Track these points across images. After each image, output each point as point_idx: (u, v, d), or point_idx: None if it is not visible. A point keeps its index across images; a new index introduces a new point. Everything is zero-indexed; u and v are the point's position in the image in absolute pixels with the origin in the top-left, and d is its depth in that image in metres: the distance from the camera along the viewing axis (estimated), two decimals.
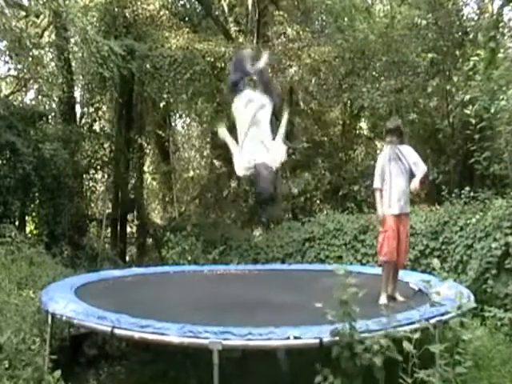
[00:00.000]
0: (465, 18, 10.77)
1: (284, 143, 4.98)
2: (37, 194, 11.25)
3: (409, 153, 5.37)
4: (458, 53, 9.57)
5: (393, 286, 5.28)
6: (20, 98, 13.71)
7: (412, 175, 5.32)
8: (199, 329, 3.69)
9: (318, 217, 10.18)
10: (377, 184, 5.42)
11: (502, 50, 8.48)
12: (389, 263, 5.27)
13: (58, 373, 4.00)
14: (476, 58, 7.70)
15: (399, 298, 5.26)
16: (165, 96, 11.88)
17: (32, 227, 11.71)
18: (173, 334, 3.74)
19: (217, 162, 14.80)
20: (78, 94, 13.88)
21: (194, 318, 4.04)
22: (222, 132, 5.14)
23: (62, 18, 10.53)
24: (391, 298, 5.22)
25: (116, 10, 11.70)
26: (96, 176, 13.86)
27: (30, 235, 10.44)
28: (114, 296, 5.73)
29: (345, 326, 3.61)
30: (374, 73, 11.97)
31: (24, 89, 13.16)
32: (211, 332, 3.65)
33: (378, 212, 5.46)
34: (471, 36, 10.19)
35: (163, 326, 3.80)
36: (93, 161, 13.01)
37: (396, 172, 5.29)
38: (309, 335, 3.68)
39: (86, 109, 13.78)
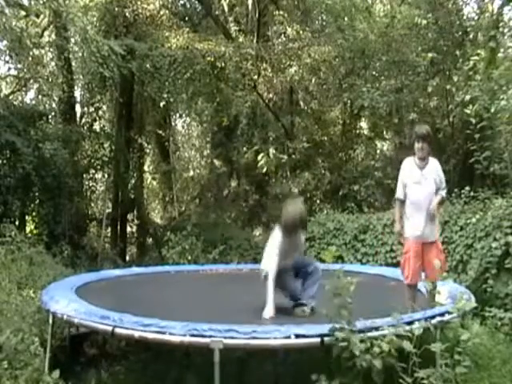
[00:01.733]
0: (465, 17, 10.78)
1: None
2: (37, 194, 11.26)
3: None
4: (458, 53, 9.56)
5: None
6: (20, 98, 13.73)
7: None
8: (203, 327, 3.67)
9: (318, 216, 10.19)
10: (399, 194, 4.84)
11: (501, 50, 8.49)
12: (412, 286, 4.83)
13: (56, 373, 4.00)
14: (476, 58, 7.70)
15: None
16: (165, 96, 11.88)
17: (32, 227, 11.71)
18: (174, 333, 3.73)
19: (217, 162, 14.80)
20: (78, 93, 13.90)
21: (195, 317, 4.03)
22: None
23: (61, 18, 10.53)
24: None
25: (116, 9, 11.69)
26: (96, 176, 13.87)
27: (30, 235, 10.44)
28: (115, 295, 5.73)
29: (342, 322, 3.60)
30: (374, 73, 11.98)
31: (24, 89, 13.18)
32: (214, 330, 3.64)
33: (395, 226, 5.00)
34: (471, 36, 10.21)
35: (166, 324, 3.79)
36: (93, 161, 13.00)
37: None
38: (310, 334, 3.68)
39: (86, 108, 13.77)
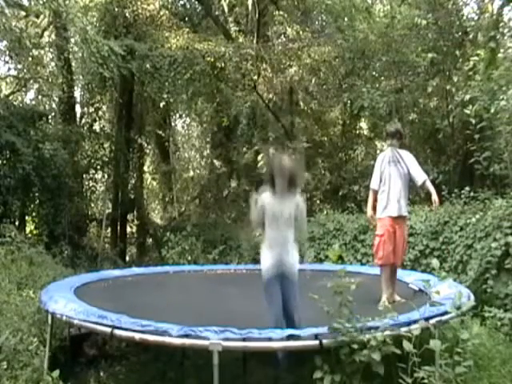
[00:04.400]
0: (465, 18, 10.75)
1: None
2: (37, 194, 11.27)
3: (409, 158, 5.34)
4: (458, 53, 9.55)
5: (392, 289, 5.26)
6: (20, 98, 13.74)
7: (410, 180, 5.33)
8: (199, 329, 3.68)
9: (318, 217, 10.18)
10: (374, 185, 5.37)
11: (502, 50, 8.46)
12: (385, 266, 5.28)
13: (56, 373, 4.00)
14: (476, 58, 7.70)
15: (398, 299, 5.25)
16: (165, 96, 11.89)
17: (32, 227, 11.72)
18: (173, 334, 3.72)
19: (217, 162, 14.80)
20: (78, 94, 13.92)
21: (193, 319, 4.03)
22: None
23: (61, 18, 10.54)
24: (391, 300, 5.19)
25: (116, 9, 11.71)
26: (96, 176, 13.87)
27: (30, 235, 10.46)
28: (114, 296, 5.72)
29: (342, 321, 3.61)
30: (374, 73, 11.97)
31: (24, 89, 13.18)
32: (211, 331, 3.63)
33: (368, 212, 5.52)
34: (471, 36, 10.17)
35: (162, 326, 3.79)
36: (93, 161, 13.01)
37: (395, 174, 5.25)
38: (308, 336, 3.67)
39: (86, 109, 13.79)
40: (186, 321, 3.83)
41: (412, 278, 5.95)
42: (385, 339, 3.54)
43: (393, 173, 5.26)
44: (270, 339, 3.63)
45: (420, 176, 5.25)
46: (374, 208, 5.51)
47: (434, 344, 3.54)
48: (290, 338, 3.64)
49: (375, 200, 5.41)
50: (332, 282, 3.80)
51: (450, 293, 4.43)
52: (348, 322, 3.61)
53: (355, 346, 3.51)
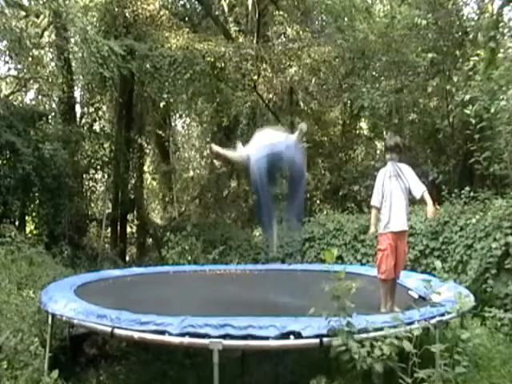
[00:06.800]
0: (465, 18, 10.76)
1: None
2: (37, 194, 11.26)
3: (408, 172, 5.27)
4: (458, 53, 9.56)
5: (391, 301, 5.20)
6: (20, 98, 13.72)
7: (410, 194, 5.27)
8: (199, 322, 3.66)
9: (318, 217, 10.18)
10: (375, 202, 5.27)
11: (502, 50, 8.47)
12: (387, 281, 5.24)
13: (55, 373, 4.00)
14: (476, 58, 7.71)
15: (398, 311, 5.18)
16: (165, 96, 11.89)
17: (32, 227, 11.72)
18: (171, 331, 3.70)
19: (217, 162, 14.79)
20: (78, 94, 13.92)
21: (194, 318, 4.02)
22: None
23: (61, 18, 10.54)
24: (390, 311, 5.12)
25: (116, 9, 11.72)
26: (96, 176, 13.87)
27: (30, 235, 10.45)
28: (114, 296, 5.72)
29: (341, 322, 3.59)
30: (374, 73, 11.97)
31: (24, 89, 13.16)
32: (211, 326, 3.62)
33: (371, 229, 5.45)
34: (471, 36, 10.18)
35: (163, 321, 3.77)
36: (93, 161, 13.00)
37: (396, 189, 5.18)
38: (309, 333, 3.67)
39: (86, 109, 13.79)
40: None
41: (412, 282, 5.90)
42: (391, 353, 3.49)
43: (394, 187, 5.18)
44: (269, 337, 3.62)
45: (418, 189, 5.18)
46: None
47: (435, 345, 3.54)
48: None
49: (376, 217, 5.33)
50: (330, 285, 3.78)
51: (450, 293, 4.44)
52: (347, 326, 3.59)
53: (355, 349, 3.48)
